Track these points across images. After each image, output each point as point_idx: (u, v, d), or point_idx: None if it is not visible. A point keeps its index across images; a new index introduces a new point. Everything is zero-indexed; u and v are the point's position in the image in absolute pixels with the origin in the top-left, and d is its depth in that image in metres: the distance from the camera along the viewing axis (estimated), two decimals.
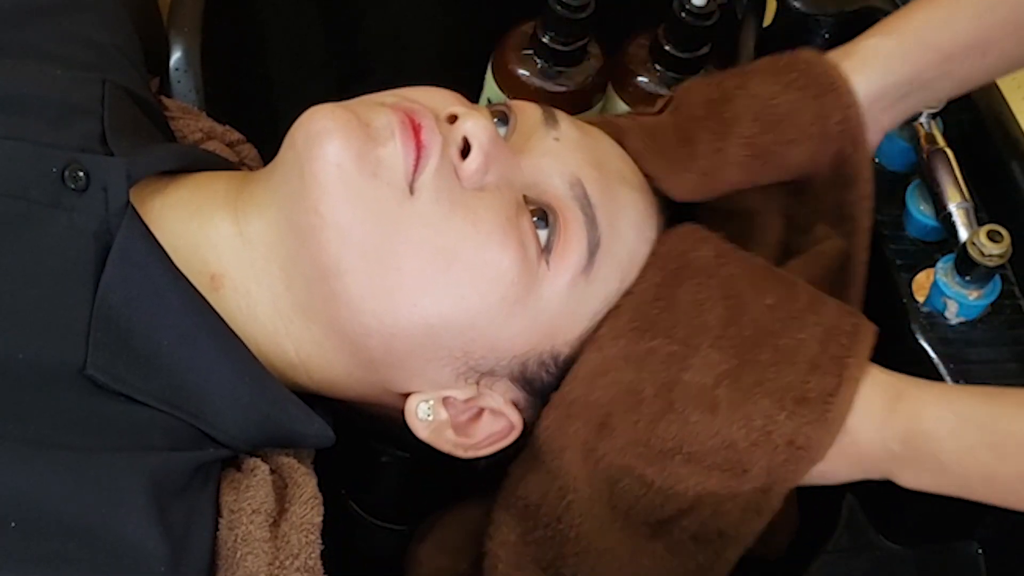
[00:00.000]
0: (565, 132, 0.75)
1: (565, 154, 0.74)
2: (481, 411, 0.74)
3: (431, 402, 0.73)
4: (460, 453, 0.75)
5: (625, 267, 0.74)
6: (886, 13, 0.96)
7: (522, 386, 0.74)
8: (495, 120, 0.74)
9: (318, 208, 0.67)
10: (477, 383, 0.73)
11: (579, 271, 0.71)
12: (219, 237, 0.71)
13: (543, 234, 0.71)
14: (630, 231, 0.74)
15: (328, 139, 0.67)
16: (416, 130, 0.69)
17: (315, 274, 0.69)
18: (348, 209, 0.67)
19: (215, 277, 0.70)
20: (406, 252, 0.68)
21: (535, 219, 0.71)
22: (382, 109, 0.69)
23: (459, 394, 0.73)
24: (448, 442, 0.74)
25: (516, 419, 0.74)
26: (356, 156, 0.67)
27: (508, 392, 0.74)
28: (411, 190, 0.68)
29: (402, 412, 0.73)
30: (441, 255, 0.68)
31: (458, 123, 0.71)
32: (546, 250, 0.71)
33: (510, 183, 0.71)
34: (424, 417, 0.73)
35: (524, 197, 0.71)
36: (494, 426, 0.75)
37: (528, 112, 0.76)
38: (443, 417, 0.73)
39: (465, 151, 0.70)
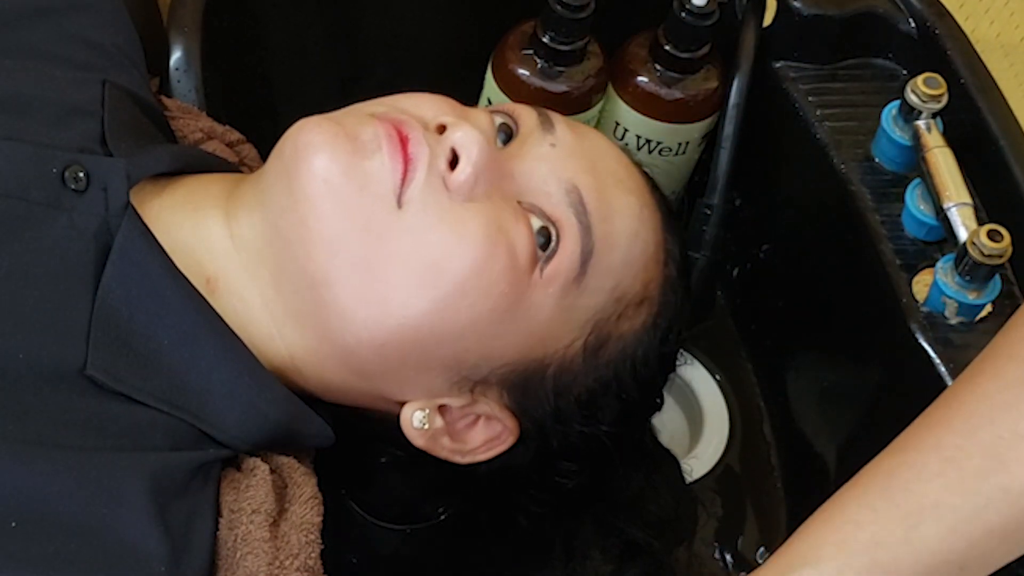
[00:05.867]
0: (561, 137, 0.74)
1: (562, 160, 0.73)
2: (477, 417, 0.74)
3: (426, 411, 0.73)
4: (458, 459, 0.75)
5: (619, 273, 0.73)
6: (885, 14, 0.97)
7: (517, 391, 0.73)
8: (500, 133, 0.74)
9: (306, 221, 0.67)
10: (471, 391, 0.73)
11: (571, 279, 0.71)
12: (212, 239, 0.71)
13: (540, 242, 0.71)
14: (624, 237, 0.73)
15: (315, 153, 0.67)
16: (403, 142, 0.68)
17: (304, 282, 0.68)
18: (336, 222, 0.67)
19: (210, 279, 0.70)
20: (395, 264, 0.67)
21: (536, 230, 0.70)
22: (370, 121, 0.69)
23: (454, 402, 0.73)
24: (445, 449, 0.74)
25: (512, 424, 0.74)
26: (343, 170, 0.67)
27: (503, 397, 0.73)
28: (399, 203, 0.68)
29: (398, 420, 0.73)
30: (430, 267, 0.68)
31: (447, 134, 0.70)
32: (540, 258, 0.70)
33: (502, 192, 0.70)
34: (419, 426, 0.73)
35: (519, 203, 0.71)
36: (490, 431, 0.75)
37: (524, 116, 0.75)
38: (438, 425, 0.73)
39: (454, 161, 0.70)
